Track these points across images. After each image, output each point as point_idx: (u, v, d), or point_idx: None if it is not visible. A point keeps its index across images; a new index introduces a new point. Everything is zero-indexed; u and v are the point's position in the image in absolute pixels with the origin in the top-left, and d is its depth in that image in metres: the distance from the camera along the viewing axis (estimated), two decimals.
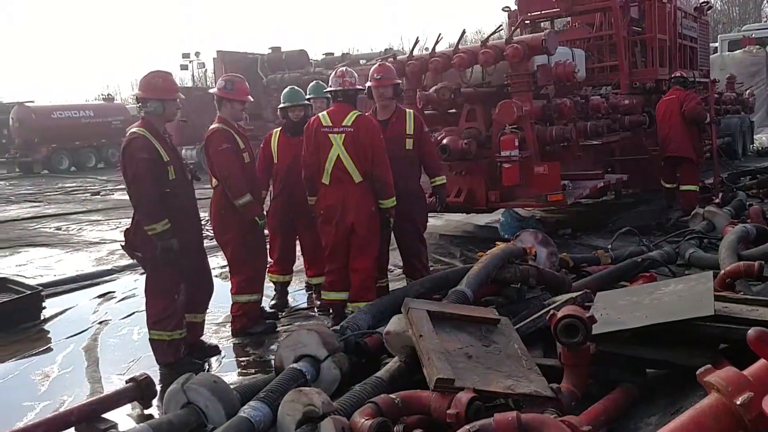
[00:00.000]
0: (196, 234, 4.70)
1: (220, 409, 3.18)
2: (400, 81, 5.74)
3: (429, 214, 5.83)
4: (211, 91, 5.30)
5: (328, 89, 5.21)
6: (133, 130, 4.41)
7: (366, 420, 2.88)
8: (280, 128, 5.99)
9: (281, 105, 5.95)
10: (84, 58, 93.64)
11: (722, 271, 4.41)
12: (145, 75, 4.52)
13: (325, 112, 5.06)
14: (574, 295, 4.09)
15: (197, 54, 31.95)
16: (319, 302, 5.80)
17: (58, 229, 11.87)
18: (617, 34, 9.50)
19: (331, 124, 4.95)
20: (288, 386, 3.30)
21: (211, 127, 5.11)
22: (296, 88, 6.05)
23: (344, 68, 5.19)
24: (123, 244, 4.54)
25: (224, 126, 5.05)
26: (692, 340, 3.28)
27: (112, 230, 11.28)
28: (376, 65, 5.53)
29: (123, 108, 32.53)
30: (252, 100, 5.32)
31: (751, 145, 15.49)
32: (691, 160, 8.68)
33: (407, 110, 5.51)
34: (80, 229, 11.73)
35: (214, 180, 5.06)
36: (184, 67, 32.84)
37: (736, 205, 7.56)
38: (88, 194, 18.06)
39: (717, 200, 7.85)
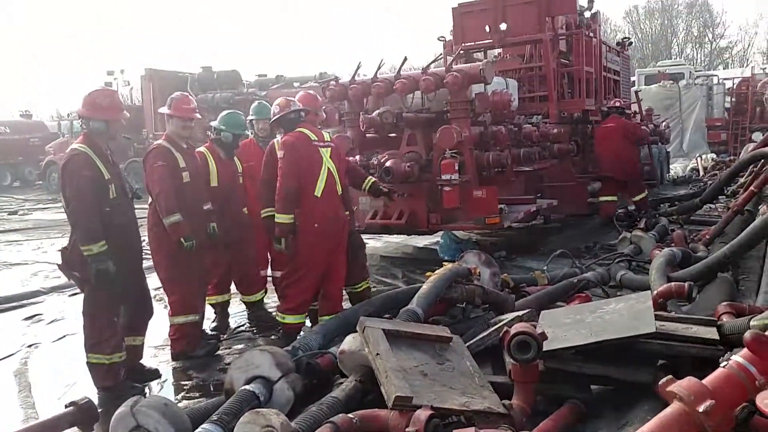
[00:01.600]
0: (134, 255, 4.56)
1: None
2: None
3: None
4: (159, 110, 5.23)
5: (278, 115, 5.16)
6: (74, 146, 4.27)
7: None
8: (206, 147, 5.70)
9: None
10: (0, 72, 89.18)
11: (655, 292, 4.65)
12: (90, 93, 4.40)
13: (305, 129, 5.09)
14: (520, 313, 4.23)
15: (122, 71, 31.03)
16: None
17: None
18: (547, 66, 9.92)
19: (317, 139, 5.09)
20: (241, 408, 3.26)
21: (154, 143, 5.05)
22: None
23: (285, 98, 5.33)
24: (59, 263, 4.35)
25: (165, 143, 4.97)
26: (634, 356, 3.45)
27: (34, 251, 10.76)
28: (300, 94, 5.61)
29: (42, 125, 31.07)
30: (199, 117, 5.24)
31: (668, 174, 16.40)
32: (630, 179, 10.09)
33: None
34: None
35: (150, 198, 4.93)
36: (108, 84, 31.68)
37: (660, 230, 7.98)
38: (5, 213, 17.16)
39: (642, 225, 8.27)
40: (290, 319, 5.06)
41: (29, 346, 5.58)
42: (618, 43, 13.82)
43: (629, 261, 6.65)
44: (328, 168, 5.05)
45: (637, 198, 10.21)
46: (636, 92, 14.41)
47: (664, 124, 15.59)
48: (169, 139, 5.03)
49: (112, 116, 4.37)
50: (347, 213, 5.38)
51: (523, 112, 9.72)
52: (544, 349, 3.38)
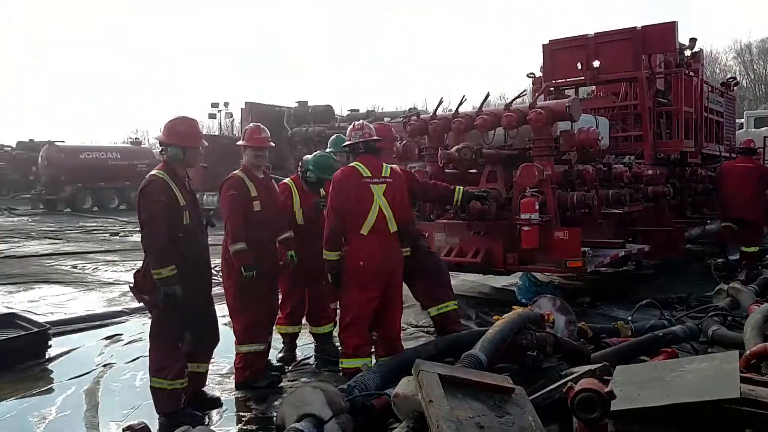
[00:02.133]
0: (204, 282, 4.62)
1: None
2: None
3: None
4: (240, 143, 5.36)
5: (347, 143, 5.14)
6: (153, 172, 4.42)
7: None
8: (292, 179, 5.88)
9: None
10: (116, 101, 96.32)
11: (747, 352, 4.23)
12: (170, 120, 4.56)
13: (360, 163, 4.95)
14: (592, 367, 3.93)
15: (226, 104, 32.63)
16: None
17: (74, 267, 11.92)
18: (642, 104, 9.48)
19: (371, 175, 4.88)
20: None
21: (231, 173, 5.17)
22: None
23: (361, 121, 5.18)
24: (131, 285, 4.48)
25: (240, 173, 5.12)
26: (715, 422, 3.11)
27: (127, 271, 11.25)
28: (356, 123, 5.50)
29: (149, 152, 33.11)
30: (272, 145, 5.34)
31: None
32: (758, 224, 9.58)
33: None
34: (95, 268, 11.76)
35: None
36: (212, 116, 33.53)
37: (761, 282, 7.34)
38: (107, 234, 18.20)
39: (742, 277, 7.64)
40: (346, 363, 4.88)
41: (105, 365, 5.76)
42: (722, 83, 13.09)
43: (724, 316, 6.12)
44: (380, 206, 4.84)
45: (750, 250, 9.41)
46: (765, 137, 13.56)
47: None
48: (245, 169, 5.17)
49: (189, 143, 4.49)
50: (406, 250, 5.18)
51: (615, 152, 9.31)
52: (613, 408, 3.10)
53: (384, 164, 5.01)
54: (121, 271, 11.35)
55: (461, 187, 5.84)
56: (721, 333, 5.52)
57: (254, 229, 4.95)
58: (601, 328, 5.62)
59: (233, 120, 34.53)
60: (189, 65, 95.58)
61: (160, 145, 4.57)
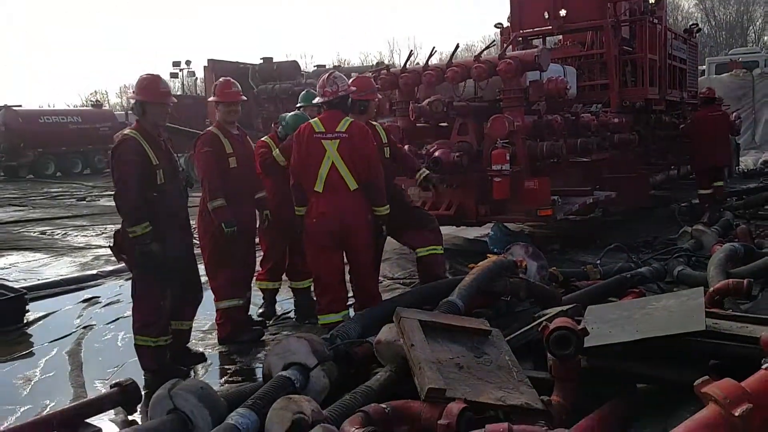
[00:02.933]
0: (183, 240, 4.62)
1: (207, 415, 3.13)
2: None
3: None
4: (210, 99, 5.29)
5: (315, 101, 5.14)
6: (125, 131, 4.40)
7: (356, 429, 2.85)
8: (270, 136, 5.85)
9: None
10: (73, 63, 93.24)
11: (711, 288, 4.43)
12: (138, 78, 4.52)
13: (317, 119, 4.93)
14: (564, 308, 4.08)
15: (188, 62, 31.89)
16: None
17: (43, 233, 11.74)
18: (608, 53, 9.57)
19: (324, 130, 4.78)
20: (276, 394, 3.25)
21: (205, 130, 5.15)
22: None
23: (325, 77, 5.00)
24: (111, 245, 4.49)
25: (214, 129, 5.10)
26: (683, 355, 3.28)
27: (98, 236, 11.18)
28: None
29: (111, 114, 32.38)
30: (244, 99, 5.31)
31: (737, 167, 15.65)
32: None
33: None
34: (65, 234, 11.61)
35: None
36: (174, 75, 32.71)
37: (723, 224, 7.61)
38: (74, 199, 17.90)
39: (705, 220, 7.91)
40: (323, 320, 4.90)
41: (84, 327, 5.78)
42: (685, 30, 13.24)
43: (688, 256, 6.36)
44: (332, 162, 4.72)
45: (717, 184, 10.06)
46: None
47: (734, 115, 14.87)
48: (219, 126, 5.16)
49: (149, 98, 4.41)
50: (382, 208, 4.93)
51: (583, 101, 9.43)
52: (586, 345, 3.26)
53: (344, 119, 4.83)
54: (92, 236, 11.24)
55: (425, 171, 5.89)
56: (686, 272, 5.75)
57: (231, 185, 4.95)
58: (570, 272, 5.80)
59: (196, 79, 33.80)
60: (147, 24, 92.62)
61: (132, 105, 4.52)
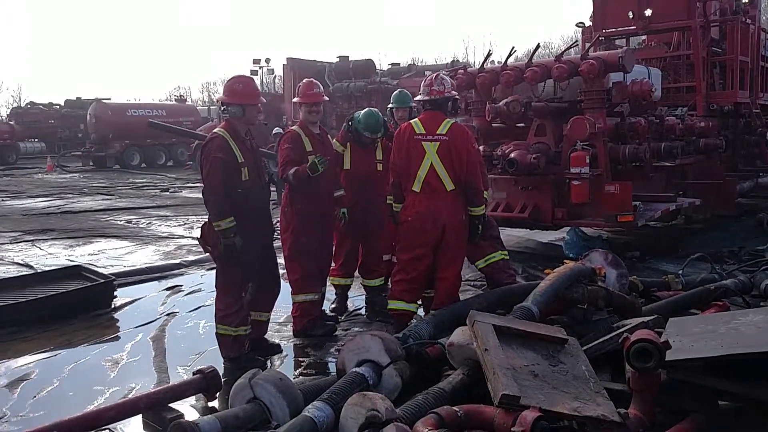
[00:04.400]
0: (264, 235, 4.78)
1: (285, 406, 3.24)
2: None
3: None
4: (294, 100, 5.43)
5: (417, 98, 5.13)
6: (215, 130, 4.57)
7: (429, 430, 2.88)
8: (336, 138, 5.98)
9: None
10: (158, 59, 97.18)
11: None
12: (229, 80, 4.70)
13: (417, 120, 4.97)
14: (645, 319, 3.98)
15: (267, 60, 32.65)
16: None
17: (129, 222, 12.32)
18: (696, 54, 9.22)
19: (424, 132, 4.85)
20: (351, 390, 3.32)
21: (288, 129, 5.30)
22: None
23: (433, 76, 5.08)
24: (198, 237, 4.69)
25: (297, 128, 5.28)
26: None
27: (180, 226, 11.64)
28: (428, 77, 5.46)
29: (194, 109, 33.64)
30: (326, 99, 5.44)
31: None
32: None
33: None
34: (149, 223, 12.14)
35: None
36: (254, 73, 33.47)
37: None
38: (158, 190, 18.67)
39: None
40: (394, 304, 5.03)
41: (168, 314, 6.04)
42: None
43: None
44: (431, 163, 4.80)
45: None
46: None
47: None
48: (301, 125, 5.29)
49: (247, 101, 4.60)
50: (478, 208, 4.93)
51: (667, 104, 9.12)
52: (667, 358, 3.17)
53: (444, 121, 4.89)
54: (174, 226, 11.71)
55: (477, 213, 4.99)
56: None
57: (311, 183, 5.08)
58: (651, 282, 5.63)
59: (275, 76, 34.54)
60: (229, 20, 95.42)
61: (221, 105, 4.68)
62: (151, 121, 21.56)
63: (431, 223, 4.84)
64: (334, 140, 5.81)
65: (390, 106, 6.15)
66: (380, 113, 5.99)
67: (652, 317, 4.07)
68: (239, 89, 4.60)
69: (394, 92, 6.42)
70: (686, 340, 3.45)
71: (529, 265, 7.51)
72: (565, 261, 5.08)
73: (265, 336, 5.02)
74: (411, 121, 5.02)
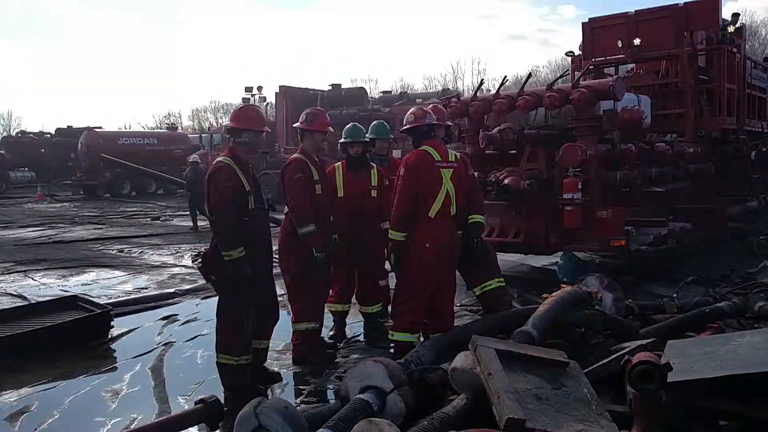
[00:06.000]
0: (267, 262, 4.82)
1: None
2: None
3: None
4: (294, 125, 5.48)
5: (406, 127, 5.16)
6: (219, 159, 4.60)
7: None
8: (341, 162, 6.06)
9: (342, 140, 6.06)
10: (147, 86, 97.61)
11: None
12: (239, 108, 4.82)
13: (430, 147, 5.01)
14: (644, 342, 4.03)
15: (260, 88, 32.81)
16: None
17: (121, 251, 12.29)
18: (684, 82, 9.41)
19: (440, 159, 4.96)
20: (356, 416, 3.34)
21: (291, 156, 5.36)
22: (358, 125, 6.19)
23: (430, 106, 5.34)
24: (199, 266, 4.70)
25: (302, 156, 5.25)
26: None
27: (172, 255, 11.61)
28: (429, 106, 5.64)
29: (185, 137, 33.73)
30: (332, 130, 5.49)
31: None
32: None
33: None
34: (141, 252, 12.12)
35: (286, 207, 5.21)
36: (246, 101, 33.85)
37: None
38: (149, 219, 18.64)
39: None
40: (400, 336, 5.02)
41: (165, 344, 6.02)
42: (765, 59, 12.86)
43: None
44: (447, 190, 4.93)
45: None
46: None
47: None
48: (305, 153, 5.31)
49: (260, 127, 4.70)
50: (477, 215, 5.31)
51: (657, 130, 9.28)
52: (669, 380, 3.21)
53: (448, 149, 5.10)
54: (167, 255, 11.69)
55: (480, 220, 5.40)
56: None
57: (317, 212, 5.11)
58: (647, 305, 5.69)
59: (267, 104, 34.75)
60: (219, 47, 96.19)
61: (228, 132, 4.73)
62: (104, 156, 21.70)
63: (447, 245, 4.97)
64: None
65: (369, 136, 6.22)
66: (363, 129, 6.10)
67: (650, 340, 4.13)
68: (254, 116, 4.70)
69: (373, 123, 6.52)
70: (686, 362, 3.49)
71: (524, 290, 7.56)
72: (561, 285, 5.15)
73: (264, 365, 5.01)
74: (422, 148, 5.02)
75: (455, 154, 5.12)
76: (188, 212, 15.59)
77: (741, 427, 3.35)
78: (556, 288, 5.05)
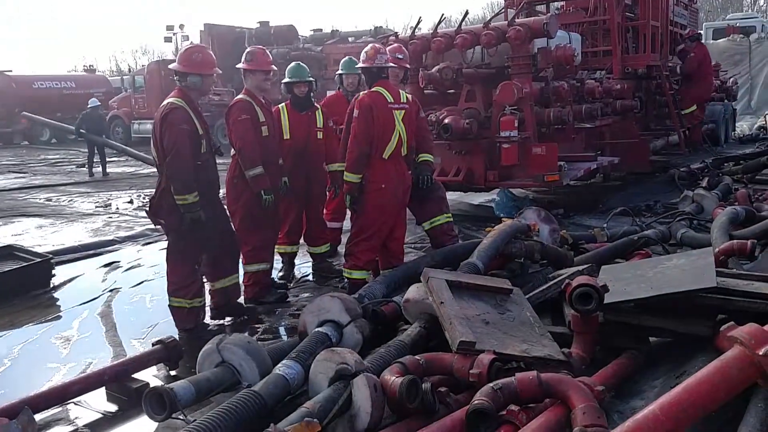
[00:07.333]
0: (219, 206, 4.83)
1: (255, 367, 3.36)
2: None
3: None
4: (237, 66, 5.33)
5: (362, 65, 5.09)
6: (171, 100, 4.47)
7: (396, 377, 3.08)
8: (285, 104, 5.98)
9: (285, 80, 5.97)
10: (61, 29, 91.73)
11: (716, 249, 4.66)
12: (184, 50, 4.68)
13: (383, 88, 5.00)
14: (581, 267, 4.32)
15: (181, 26, 31.37)
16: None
17: (49, 200, 11.85)
18: (611, 19, 9.69)
19: (393, 101, 4.99)
20: (316, 348, 3.48)
21: (235, 97, 5.27)
22: (302, 64, 6.09)
23: (396, 45, 5.36)
24: (147, 210, 4.65)
25: (247, 97, 5.15)
26: (694, 310, 3.52)
27: (104, 202, 11.30)
28: (394, 45, 5.65)
29: (105, 80, 32.16)
30: (276, 69, 5.42)
31: (733, 132, 15.87)
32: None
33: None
34: (71, 200, 11.73)
35: (232, 150, 5.17)
36: (167, 40, 32.19)
37: (723, 188, 7.85)
38: (74, 166, 17.94)
39: (704, 184, 8.15)
40: (356, 274, 5.14)
41: (111, 291, 5.97)
42: None
43: (691, 219, 6.60)
44: (399, 131, 4.99)
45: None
46: None
47: (731, 80, 15.03)
48: (249, 94, 5.21)
49: (206, 70, 4.57)
50: (428, 154, 5.50)
51: (586, 67, 9.57)
52: (606, 301, 3.48)
53: (401, 91, 5.14)
54: (98, 202, 11.36)
55: (429, 159, 5.57)
56: (690, 235, 5.98)
57: (264, 154, 5.08)
58: (580, 236, 6.03)
59: (190, 43, 33.36)
60: None
61: (176, 74, 4.58)
62: (25, 113, 20.42)
63: (401, 185, 5.09)
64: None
65: (339, 72, 6.24)
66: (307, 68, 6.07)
67: (586, 266, 4.43)
68: (198, 59, 4.55)
69: (343, 59, 6.52)
70: (619, 285, 3.78)
71: (463, 226, 7.82)
72: (501, 220, 5.39)
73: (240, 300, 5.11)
74: (374, 89, 5.01)
75: (407, 96, 5.17)
76: (110, 159, 15.14)
77: (670, 342, 3.68)
78: (496, 222, 5.27)
